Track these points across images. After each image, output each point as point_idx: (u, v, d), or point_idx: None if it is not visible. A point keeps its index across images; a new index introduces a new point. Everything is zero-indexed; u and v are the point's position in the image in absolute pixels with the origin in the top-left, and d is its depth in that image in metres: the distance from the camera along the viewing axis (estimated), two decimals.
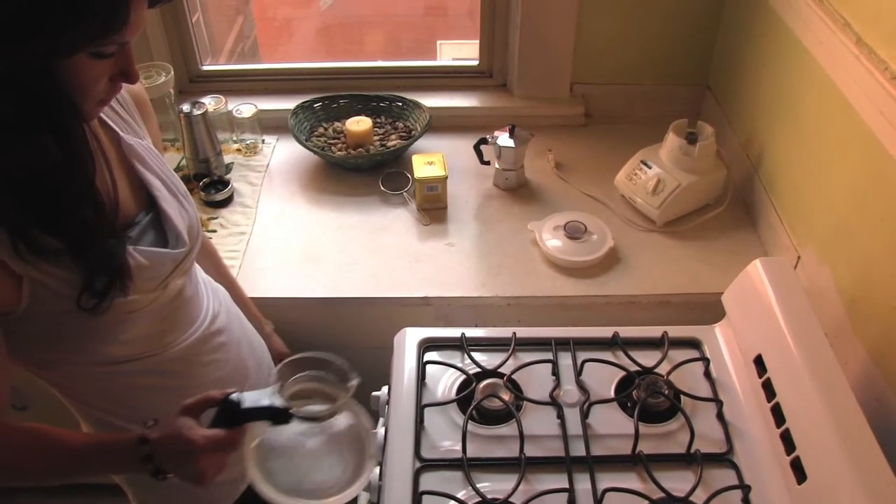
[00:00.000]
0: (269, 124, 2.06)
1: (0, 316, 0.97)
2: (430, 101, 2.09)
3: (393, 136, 2.02)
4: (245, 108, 1.99)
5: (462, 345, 1.39)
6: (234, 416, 1.03)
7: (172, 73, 1.93)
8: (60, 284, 0.97)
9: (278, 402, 1.04)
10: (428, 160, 1.85)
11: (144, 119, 1.19)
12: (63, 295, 0.97)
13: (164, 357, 1.16)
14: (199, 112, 1.83)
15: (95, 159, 0.97)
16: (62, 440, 1.03)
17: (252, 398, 1.04)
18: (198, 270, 1.28)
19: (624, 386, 1.35)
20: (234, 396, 1.04)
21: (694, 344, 1.43)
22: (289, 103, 2.06)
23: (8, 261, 0.92)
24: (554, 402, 1.31)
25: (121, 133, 1.10)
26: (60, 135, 0.90)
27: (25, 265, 0.93)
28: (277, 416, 1.04)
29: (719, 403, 1.31)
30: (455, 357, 1.40)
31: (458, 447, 1.24)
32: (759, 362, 1.29)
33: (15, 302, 0.96)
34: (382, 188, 1.90)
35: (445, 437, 1.28)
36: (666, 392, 1.31)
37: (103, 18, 0.83)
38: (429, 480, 1.22)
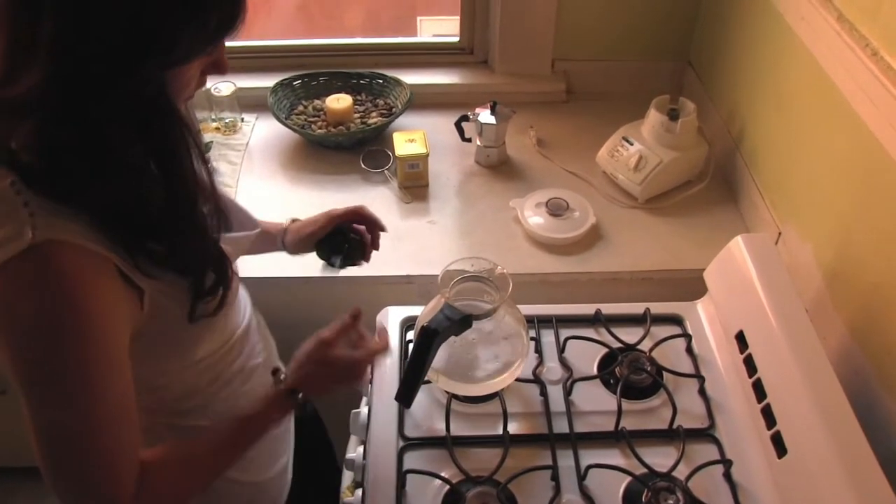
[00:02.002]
0: (248, 102, 2.03)
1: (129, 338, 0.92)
2: (411, 78, 2.07)
3: (374, 114, 2.00)
4: (223, 86, 1.96)
5: None
6: None
7: None
8: (179, 291, 0.94)
9: (456, 313, 1.13)
10: (409, 138, 1.83)
11: None
12: (181, 300, 0.94)
13: (234, 339, 1.13)
14: None
15: (202, 168, 0.93)
16: (211, 440, 1.03)
17: None
18: None
19: (606, 363, 1.35)
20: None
21: (676, 320, 1.44)
22: (268, 81, 2.03)
23: (131, 275, 0.87)
24: (537, 379, 1.32)
25: None
26: (167, 146, 0.86)
27: (147, 279, 0.89)
28: (463, 323, 1.14)
29: (701, 379, 1.32)
30: None
31: (442, 425, 1.24)
32: (740, 338, 1.30)
33: (140, 316, 0.91)
34: (363, 166, 1.89)
35: (429, 415, 1.28)
36: (648, 368, 1.32)
37: (223, 16, 0.82)
38: (413, 459, 1.22)
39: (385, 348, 1.28)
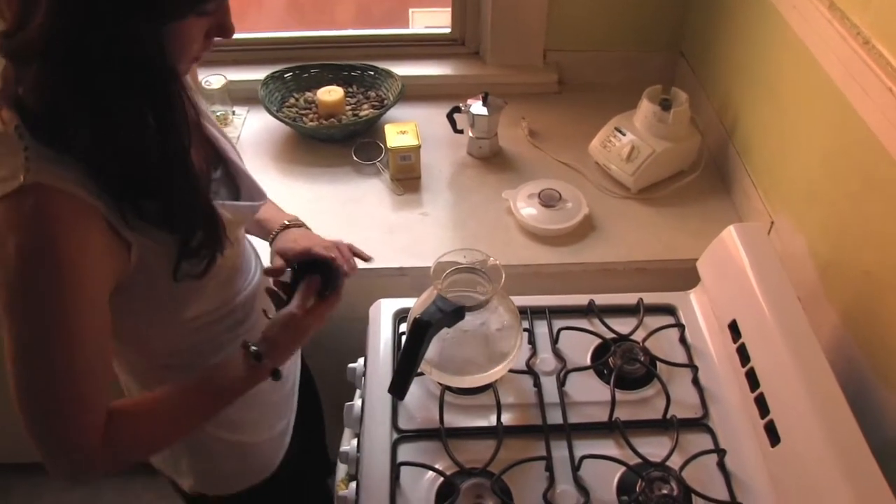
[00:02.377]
0: (239, 95, 2.02)
1: (113, 290, 0.96)
2: (403, 69, 2.06)
3: (365, 106, 2.00)
4: (214, 79, 1.95)
5: None
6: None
7: None
8: (167, 249, 0.97)
9: (448, 305, 1.13)
10: (401, 129, 1.83)
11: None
12: (170, 258, 0.97)
13: (234, 305, 1.17)
14: None
15: (190, 121, 0.95)
16: (177, 397, 1.05)
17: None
18: None
19: (600, 353, 1.35)
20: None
21: (669, 310, 1.44)
22: (259, 74, 2.02)
23: (119, 228, 0.91)
24: (530, 370, 1.32)
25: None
26: (161, 101, 0.88)
27: (133, 232, 0.93)
28: (456, 314, 1.14)
29: (694, 369, 1.32)
30: None
31: (436, 417, 1.24)
32: (733, 327, 1.30)
33: (127, 266, 0.95)
34: (355, 158, 1.88)
35: (423, 407, 1.28)
36: (642, 359, 1.32)
37: None
38: (407, 451, 1.22)
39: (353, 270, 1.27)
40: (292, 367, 1.39)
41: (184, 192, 0.95)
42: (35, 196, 0.84)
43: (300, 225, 1.35)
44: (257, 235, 1.34)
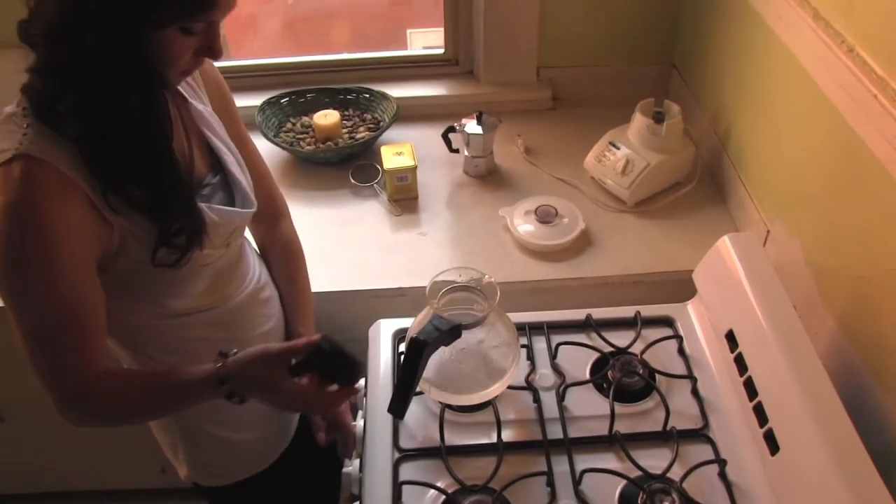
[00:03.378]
0: None
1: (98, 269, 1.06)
2: (398, 91, 2.08)
3: (361, 129, 2.01)
4: None
5: None
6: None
7: None
8: (148, 235, 1.05)
9: (445, 324, 1.14)
10: (397, 151, 1.84)
11: (227, 102, 1.32)
12: (149, 246, 1.06)
13: (223, 309, 1.25)
14: None
15: (173, 122, 1.08)
16: (156, 374, 1.18)
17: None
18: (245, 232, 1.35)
19: (599, 367, 1.36)
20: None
21: (667, 322, 1.44)
22: (256, 100, 2.04)
23: (102, 210, 1.01)
24: (530, 386, 1.32)
25: (190, 100, 1.18)
26: (144, 99, 1.00)
27: (117, 215, 1.02)
28: (452, 333, 1.14)
29: (693, 380, 1.32)
30: None
31: (437, 436, 1.25)
32: (730, 337, 1.30)
33: (110, 245, 1.05)
34: (353, 181, 1.90)
35: (423, 426, 1.29)
36: (640, 371, 1.32)
37: None
38: (408, 470, 1.22)
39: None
40: None
41: (164, 183, 1.05)
42: (21, 164, 0.95)
43: None
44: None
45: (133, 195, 1.02)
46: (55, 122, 0.97)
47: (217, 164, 1.22)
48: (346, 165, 1.94)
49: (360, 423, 1.32)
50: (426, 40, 3.07)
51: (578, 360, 1.37)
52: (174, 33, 0.95)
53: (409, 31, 3.29)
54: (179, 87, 1.16)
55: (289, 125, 2.05)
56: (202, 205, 1.13)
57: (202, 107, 1.21)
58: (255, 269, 1.33)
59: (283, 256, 1.43)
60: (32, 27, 0.94)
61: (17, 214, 0.96)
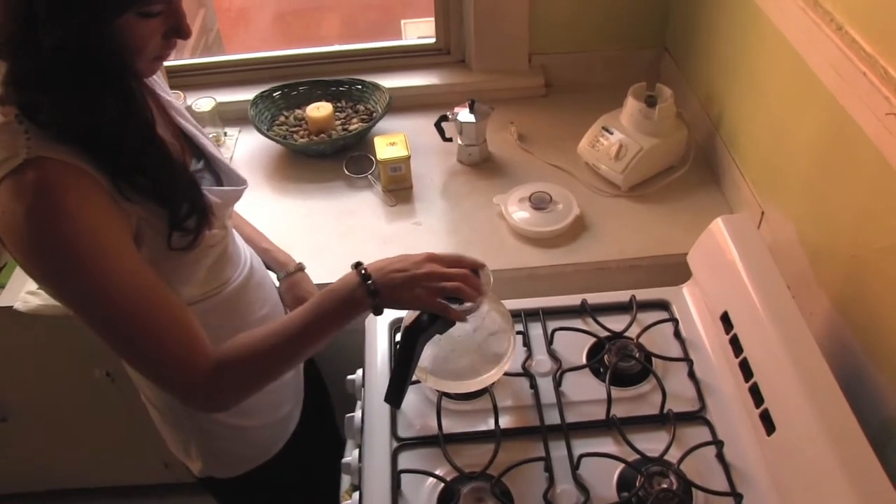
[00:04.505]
0: (229, 116, 2.05)
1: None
2: (390, 81, 2.08)
3: (354, 120, 2.01)
4: (203, 101, 1.97)
5: None
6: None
7: None
8: (160, 221, 1.04)
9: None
10: (390, 141, 1.84)
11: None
12: (162, 231, 1.05)
13: (223, 295, 1.24)
14: None
15: (152, 110, 1.04)
16: (286, 323, 1.10)
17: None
18: None
19: (595, 352, 1.36)
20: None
21: (662, 305, 1.45)
22: (248, 94, 2.04)
23: (118, 200, 0.99)
24: (526, 372, 1.33)
25: (157, 91, 1.19)
26: (116, 92, 0.96)
27: (131, 204, 1.00)
28: (447, 321, 1.12)
29: (689, 362, 1.32)
30: None
31: (434, 424, 1.25)
32: (725, 319, 1.31)
33: (131, 235, 1.03)
34: (347, 172, 1.90)
35: (421, 414, 1.29)
36: (636, 355, 1.32)
37: None
38: (407, 459, 1.23)
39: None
40: None
41: (162, 168, 1.04)
42: (37, 168, 0.92)
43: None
44: (265, 262, 1.44)
45: (141, 183, 1.01)
46: (47, 124, 0.95)
47: (196, 150, 1.23)
48: (340, 157, 1.94)
49: (358, 413, 1.33)
50: (420, 30, 3.06)
51: (575, 346, 1.37)
52: (133, 20, 0.92)
53: (403, 21, 3.28)
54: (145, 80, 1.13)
55: (282, 118, 2.04)
56: (202, 188, 1.12)
57: (169, 96, 1.22)
58: (246, 254, 1.34)
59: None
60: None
61: (45, 220, 0.93)
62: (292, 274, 1.49)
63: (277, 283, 1.49)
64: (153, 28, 0.96)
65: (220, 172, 1.24)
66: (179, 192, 1.06)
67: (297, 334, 1.08)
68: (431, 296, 1.09)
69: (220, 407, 1.13)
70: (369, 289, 1.07)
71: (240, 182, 1.26)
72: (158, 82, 1.21)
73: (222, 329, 1.16)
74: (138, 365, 1.06)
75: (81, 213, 0.94)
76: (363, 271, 1.08)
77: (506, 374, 1.28)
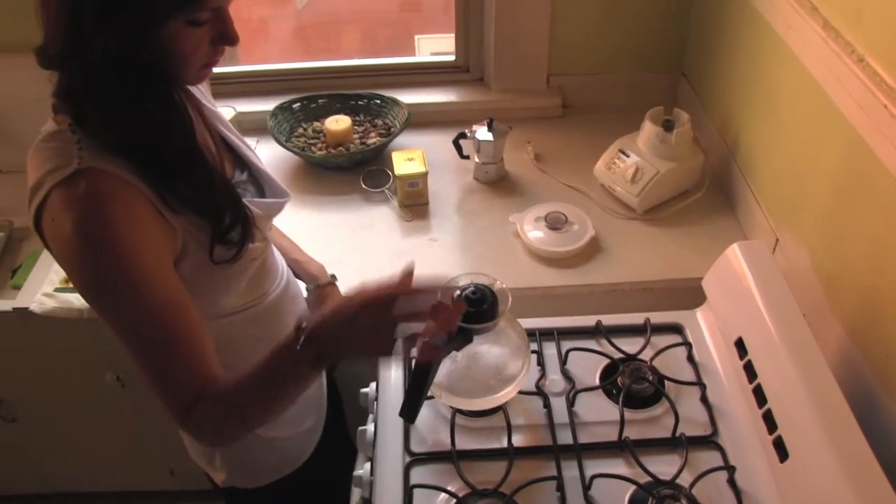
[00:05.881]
0: (248, 126, 2.06)
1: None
2: (409, 97, 2.10)
3: (372, 134, 2.03)
4: (223, 110, 1.97)
5: None
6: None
7: None
8: (204, 234, 1.05)
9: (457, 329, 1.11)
10: (408, 156, 1.86)
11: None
12: (206, 245, 1.06)
13: (262, 306, 1.25)
14: None
15: (194, 120, 1.05)
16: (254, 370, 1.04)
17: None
18: None
19: (608, 373, 1.37)
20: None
21: (676, 329, 1.45)
22: (267, 105, 2.06)
23: (164, 212, 1.00)
24: (540, 391, 1.33)
25: (202, 101, 1.19)
26: (157, 100, 0.98)
27: (176, 217, 1.02)
28: (464, 338, 1.13)
29: (702, 387, 1.33)
30: None
31: (447, 440, 1.26)
32: (739, 345, 1.31)
33: (175, 248, 1.04)
34: (364, 186, 1.91)
35: (434, 430, 1.30)
36: (650, 378, 1.33)
37: None
38: (419, 474, 1.23)
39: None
40: None
41: (203, 178, 1.05)
42: (88, 178, 0.94)
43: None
44: (295, 273, 1.45)
45: (185, 194, 1.02)
46: (96, 133, 0.97)
47: (240, 161, 1.24)
48: (357, 171, 1.95)
49: (370, 426, 1.33)
50: (434, 46, 3.08)
51: (588, 366, 1.38)
52: (180, 28, 0.93)
53: (417, 36, 3.30)
54: (190, 88, 1.14)
55: (300, 130, 2.06)
56: (245, 200, 1.13)
57: (213, 106, 1.23)
58: (283, 266, 1.35)
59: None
60: (46, 52, 0.94)
61: (93, 230, 0.94)
62: (323, 286, 1.50)
63: (306, 294, 1.49)
64: (201, 35, 0.96)
65: (263, 184, 1.25)
66: (219, 202, 1.06)
67: (268, 381, 1.04)
68: (386, 342, 1.00)
69: (214, 438, 1.12)
70: (304, 337, 0.98)
71: (282, 194, 1.27)
72: (203, 92, 1.22)
73: (261, 341, 1.12)
74: (147, 374, 1.03)
75: (127, 226, 0.96)
76: (303, 324, 0.99)
77: (520, 392, 1.28)
